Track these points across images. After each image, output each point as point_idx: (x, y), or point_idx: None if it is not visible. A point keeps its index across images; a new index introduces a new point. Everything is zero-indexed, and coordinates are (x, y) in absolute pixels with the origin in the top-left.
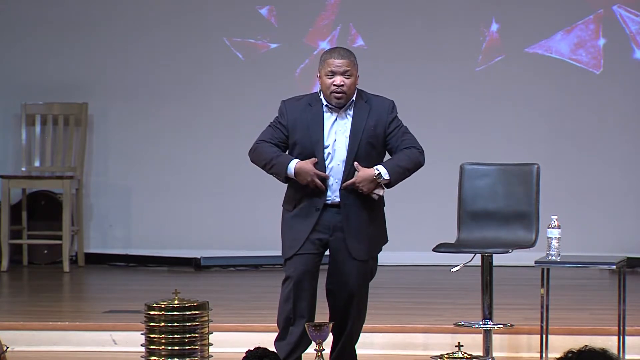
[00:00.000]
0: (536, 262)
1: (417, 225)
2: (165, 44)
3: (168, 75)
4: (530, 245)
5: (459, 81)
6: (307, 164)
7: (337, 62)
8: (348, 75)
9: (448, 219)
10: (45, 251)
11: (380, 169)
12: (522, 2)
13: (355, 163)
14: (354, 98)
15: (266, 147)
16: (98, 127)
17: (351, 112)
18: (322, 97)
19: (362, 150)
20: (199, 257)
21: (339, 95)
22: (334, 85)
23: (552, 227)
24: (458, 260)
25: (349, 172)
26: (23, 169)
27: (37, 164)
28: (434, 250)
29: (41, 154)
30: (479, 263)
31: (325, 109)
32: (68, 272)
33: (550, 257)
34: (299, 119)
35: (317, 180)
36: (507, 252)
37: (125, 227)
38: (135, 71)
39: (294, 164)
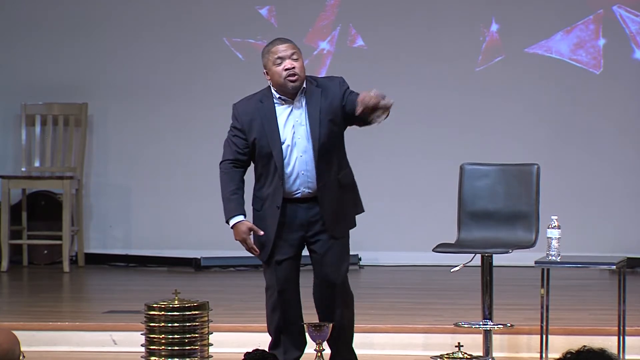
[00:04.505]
0: (536, 262)
1: (417, 225)
2: (165, 44)
3: (168, 75)
4: (530, 245)
5: (459, 81)
6: (243, 226)
7: (282, 47)
8: (295, 58)
9: (448, 219)
10: (45, 251)
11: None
12: (522, 2)
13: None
14: (305, 85)
15: (225, 180)
16: (98, 127)
17: (304, 100)
18: (273, 91)
19: (324, 130)
20: (198, 257)
21: (294, 77)
22: (285, 69)
23: (552, 228)
24: (458, 260)
25: (319, 157)
26: (23, 169)
27: (37, 164)
28: (434, 250)
29: (41, 154)
30: (479, 263)
31: (277, 102)
32: (68, 272)
33: (550, 258)
34: (253, 119)
35: (246, 245)
36: (507, 252)
37: (125, 227)
38: (135, 71)
39: (233, 222)
